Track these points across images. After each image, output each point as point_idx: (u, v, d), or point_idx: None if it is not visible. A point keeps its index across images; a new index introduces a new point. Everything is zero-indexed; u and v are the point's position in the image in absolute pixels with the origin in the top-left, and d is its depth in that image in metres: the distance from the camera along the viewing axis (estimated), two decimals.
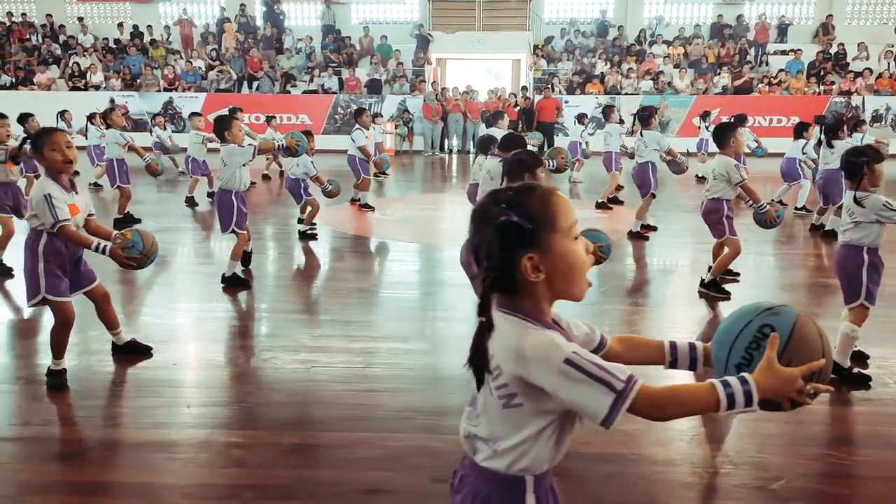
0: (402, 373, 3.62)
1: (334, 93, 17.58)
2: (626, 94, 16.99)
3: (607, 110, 9.38)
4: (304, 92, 17.67)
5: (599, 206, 8.75)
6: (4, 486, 2.54)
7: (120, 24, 19.50)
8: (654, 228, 7.16)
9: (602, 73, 17.77)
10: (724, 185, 4.90)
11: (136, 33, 19.19)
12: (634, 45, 18.77)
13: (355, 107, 17.11)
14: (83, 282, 3.40)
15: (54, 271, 3.21)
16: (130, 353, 3.66)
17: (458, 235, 6.89)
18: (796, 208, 8.43)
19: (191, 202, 8.82)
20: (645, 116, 7.21)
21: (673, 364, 1.47)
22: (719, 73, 17.29)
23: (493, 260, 1.25)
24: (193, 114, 9.93)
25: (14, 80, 17.29)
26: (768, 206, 4.82)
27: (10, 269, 5.20)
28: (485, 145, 5.48)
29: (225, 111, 10.22)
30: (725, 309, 4.60)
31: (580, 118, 11.78)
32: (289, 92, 17.73)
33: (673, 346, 1.47)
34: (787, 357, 1.27)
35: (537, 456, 1.27)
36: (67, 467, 2.69)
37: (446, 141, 17.54)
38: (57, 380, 3.31)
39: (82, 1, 20.00)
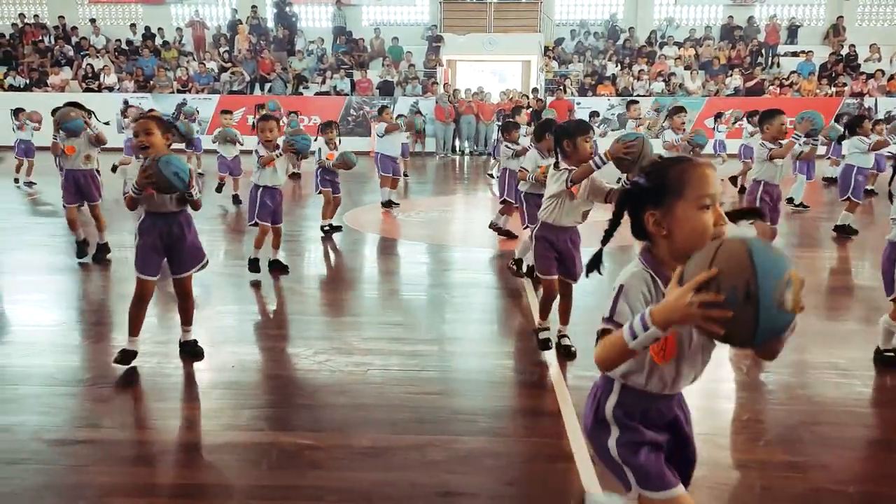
0: (456, 375, 3.66)
1: (346, 94, 17.64)
2: (639, 95, 17.01)
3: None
4: (317, 93, 17.72)
5: None
6: (86, 489, 2.57)
7: (132, 26, 19.55)
8: None
9: (614, 74, 17.81)
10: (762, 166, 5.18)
11: (148, 35, 19.25)
12: (645, 46, 18.81)
13: (367, 108, 17.39)
14: (176, 268, 3.58)
15: (145, 248, 3.47)
16: (188, 353, 3.70)
17: (482, 237, 6.95)
18: (788, 200, 8.54)
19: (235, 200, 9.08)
20: None
21: None
22: (731, 75, 17.33)
23: (621, 207, 1.67)
24: (224, 112, 10.05)
25: (28, 81, 17.34)
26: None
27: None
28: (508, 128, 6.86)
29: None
30: None
31: (592, 117, 11.91)
32: (301, 93, 17.78)
33: None
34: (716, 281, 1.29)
35: (626, 368, 1.63)
36: (146, 469, 2.73)
37: (457, 142, 17.60)
38: (122, 357, 3.51)
39: (94, 2, 20.06)
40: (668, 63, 17.90)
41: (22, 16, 19.55)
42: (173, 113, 16.11)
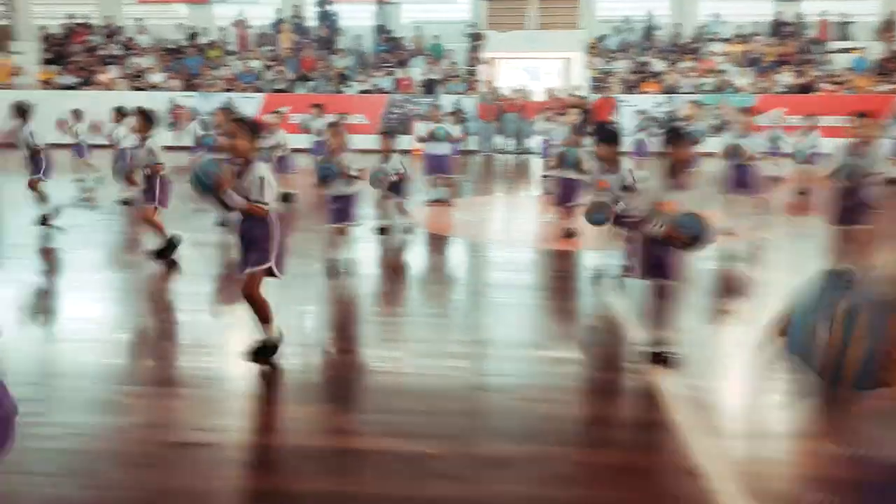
0: (560, 382, 3.59)
1: (388, 92, 17.63)
2: (685, 92, 16.75)
3: None
4: (360, 92, 17.75)
5: None
6: (213, 495, 2.55)
7: (178, 25, 19.77)
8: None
9: (659, 71, 17.53)
10: None
11: (193, 34, 19.46)
12: (691, 43, 18.49)
13: (410, 106, 17.36)
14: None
15: None
16: (262, 353, 3.64)
17: (545, 237, 6.84)
18: None
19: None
20: None
21: None
22: (780, 72, 16.94)
23: None
24: (276, 112, 10.10)
25: (77, 80, 17.63)
26: None
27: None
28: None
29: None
30: None
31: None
32: (343, 92, 17.81)
33: None
34: None
35: None
36: (266, 475, 2.70)
37: (499, 141, 17.50)
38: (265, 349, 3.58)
39: (140, 2, 20.32)
40: (717, 60, 17.55)
41: (71, 16, 19.89)
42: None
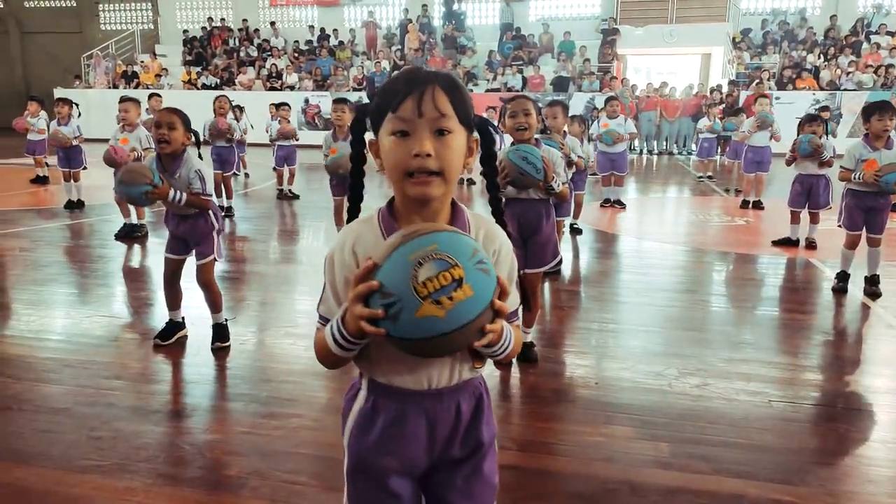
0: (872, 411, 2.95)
1: (517, 91, 17.18)
2: (846, 89, 15.31)
3: None
4: (487, 90, 17.39)
5: None
6: None
7: (311, 27, 20.17)
8: None
9: (815, 66, 16.14)
10: None
11: (324, 36, 19.79)
12: (850, 36, 16.93)
13: (541, 105, 16.83)
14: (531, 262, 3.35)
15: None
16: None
17: (749, 242, 6.06)
18: None
19: None
20: None
21: None
22: None
23: None
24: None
25: (218, 80, 18.27)
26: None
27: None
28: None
29: None
30: None
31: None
32: (472, 90, 17.53)
33: None
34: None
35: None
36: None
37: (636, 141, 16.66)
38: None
39: (274, 5, 20.91)
40: (882, 53, 15.96)
41: (210, 19, 20.73)
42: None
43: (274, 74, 18.27)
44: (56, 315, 4.17)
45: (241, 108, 10.11)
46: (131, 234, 6.20)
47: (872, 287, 4.54)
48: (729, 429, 2.73)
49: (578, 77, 17.26)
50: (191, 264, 3.50)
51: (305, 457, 2.50)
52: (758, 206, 8.06)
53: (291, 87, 17.93)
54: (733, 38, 17.51)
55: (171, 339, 3.57)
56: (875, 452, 2.61)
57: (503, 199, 1.44)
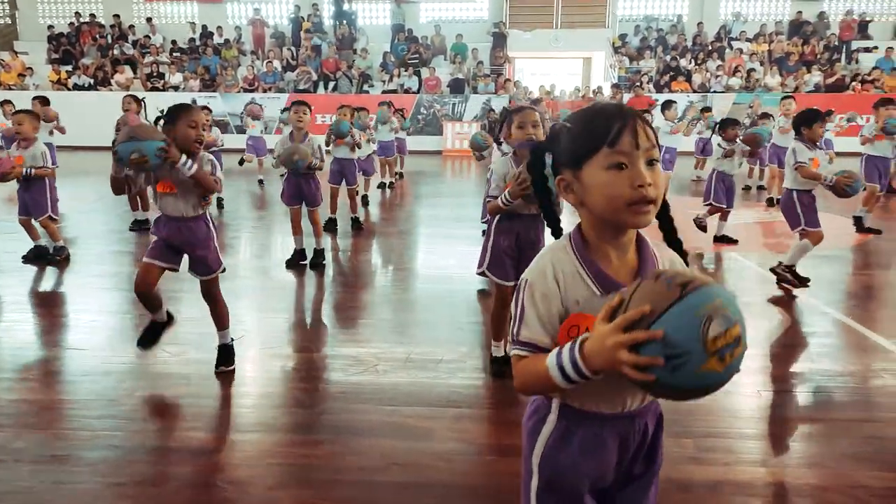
0: None
1: (415, 93, 17.28)
2: (716, 91, 16.71)
3: None
4: (384, 91, 17.36)
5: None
6: None
7: (192, 24, 19.18)
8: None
9: (688, 70, 17.47)
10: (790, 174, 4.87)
11: (206, 33, 18.89)
12: (715, 42, 18.48)
13: (438, 106, 17.03)
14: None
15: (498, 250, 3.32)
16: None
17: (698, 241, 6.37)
18: None
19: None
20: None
21: None
22: (809, 71, 16.99)
23: None
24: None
25: (92, 81, 16.96)
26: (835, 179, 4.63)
27: None
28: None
29: None
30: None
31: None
32: (367, 92, 17.41)
33: None
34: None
35: None
36: None
37: None
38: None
39: (149, 1, 19.68)
40: (745, 58, 17.55)
41: (77, 14, 19.17)
42: (241, 112, 15.80)
43: (155, 74, 17.21)
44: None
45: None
46: (43, 257, 5.66)
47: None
48: (735, 420, 2.97)
49: (473, 79, 17.62)
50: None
51: (356, 484, 2.44)
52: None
53: (176, 88, 16.98)
54: (613, 43, 18.58)
55: (158, 340, 3.35)
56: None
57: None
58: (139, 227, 6.96)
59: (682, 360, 1.01)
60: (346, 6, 19.33)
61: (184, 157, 3.05)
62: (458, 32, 18.83)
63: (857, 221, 7.05)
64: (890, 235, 7.00)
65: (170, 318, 3.49)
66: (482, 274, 3.35)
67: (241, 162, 10.86)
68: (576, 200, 1.24)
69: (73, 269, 5.50)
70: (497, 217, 3.28)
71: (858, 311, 4.57)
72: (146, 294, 3.26)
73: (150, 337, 3.39)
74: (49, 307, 4.65)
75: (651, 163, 1.18)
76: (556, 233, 1.36)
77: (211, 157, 3.19)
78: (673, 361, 1.01)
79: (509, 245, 3.24)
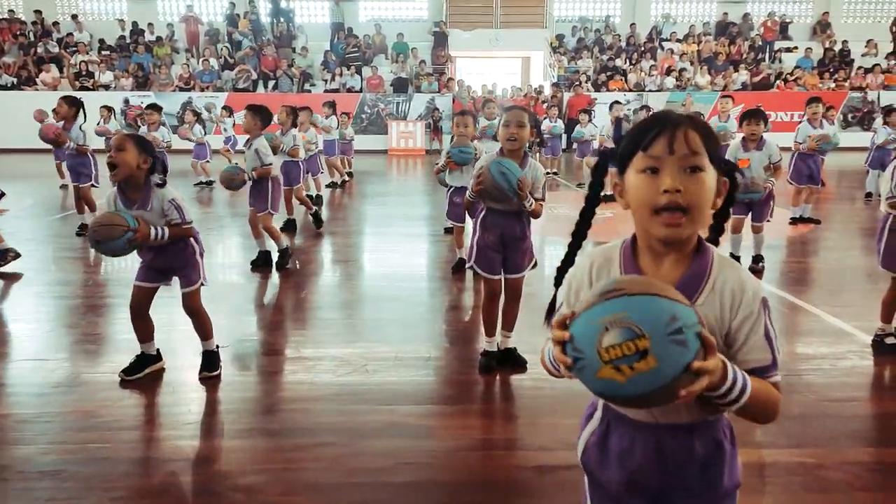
0: None
1: (357, 92, 17.14)
2: (651, 90, 17.26)
3: None
4: (326, 90, 17.14)
5: None
6: None
7: (121, 21, 18.42)
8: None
9: (624, 70, 17.98)
10: None
11: (136, 31, 18.19)
12: (647, 42, 19.08)
13: (382, 105, 16.93)
14: (510, 267, 3.40)
15: (484, 246, 3.36)
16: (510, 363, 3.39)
17: None
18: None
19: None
20: None
21: None
22: (737, 70, 17.77)
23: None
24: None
25: (16, 80, 16.08)
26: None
27: None
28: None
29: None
30: None
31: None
32: (309, 91, 17.16)
33: None
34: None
35: None
36: None
37: None
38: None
39: None
40: (676, 58, 18.19)
41: None
42: (178, 112, 15.33)
43: (84, 73, 16.46)
44: None
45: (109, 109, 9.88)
46: None
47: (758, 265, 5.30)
48: None
49: (416, 78, 17.61)
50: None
51: (368, 486, 2.43)
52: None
53: (106, 87, 16.30)
54: (551, 43, 18.93)
55: (139, 373, 3.23)
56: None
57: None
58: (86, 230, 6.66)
59: (582, 364, 1.04)
60: (283, 4, 18.98)
61: (153, 230, 2.98)
62: (398, 31, 18.78)
63: (798, 220, 7.37)
64: (826, 225, 7.41)
65: (158, 357, 3.37)
66: (471, 268, 3.37)
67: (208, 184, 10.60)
68: (625, 205, 1.25)
69: (25, 278, 5.22)
70: (482, 214, 3.32)
71: (811, 294, 4.84)
72: (139, 314, 3.21)
73: (136, 369, 3.27)
74: None
75: (694, 169, 1.15)
76: (576, 237, 1.36)
77: (172, 198, 3.05)
78: (578, 363, 1.05)
79: (494, 240, 3.27)
